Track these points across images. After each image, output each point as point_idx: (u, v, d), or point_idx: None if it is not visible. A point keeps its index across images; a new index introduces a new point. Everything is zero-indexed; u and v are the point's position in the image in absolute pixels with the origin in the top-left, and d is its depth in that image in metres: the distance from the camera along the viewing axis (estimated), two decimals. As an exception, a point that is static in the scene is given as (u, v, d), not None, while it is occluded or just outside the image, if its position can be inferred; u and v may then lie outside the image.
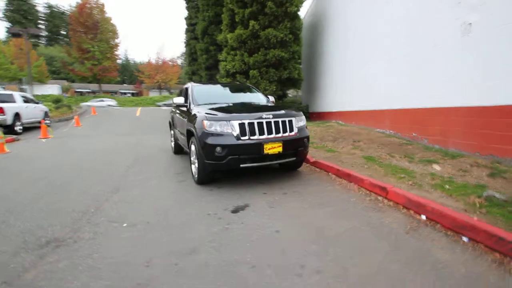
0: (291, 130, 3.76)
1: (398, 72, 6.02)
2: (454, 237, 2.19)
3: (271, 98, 5.27)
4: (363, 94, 7.84)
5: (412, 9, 5.50)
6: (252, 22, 10.77)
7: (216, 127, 3.46)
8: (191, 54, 17.77)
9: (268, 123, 3.57)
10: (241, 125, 3.46)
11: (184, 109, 4.69)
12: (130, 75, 54.33)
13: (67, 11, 48.63)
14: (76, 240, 2.32)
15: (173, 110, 6.07)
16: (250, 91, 5.31)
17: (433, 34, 4.96)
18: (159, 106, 26.00)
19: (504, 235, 1.96)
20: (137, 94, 46.49)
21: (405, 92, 5.84)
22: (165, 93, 44.63)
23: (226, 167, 3.49)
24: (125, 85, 49.67)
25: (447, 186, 3.28)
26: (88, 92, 42.05)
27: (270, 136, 3.55)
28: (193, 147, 3.95)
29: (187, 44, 17.97)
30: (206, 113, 3.64)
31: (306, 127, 4.10)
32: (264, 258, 1.96)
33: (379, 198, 3.12)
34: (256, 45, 11.24)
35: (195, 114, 4.01)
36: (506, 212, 2.45)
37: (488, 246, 2.02)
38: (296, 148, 3.78)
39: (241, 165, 3.48)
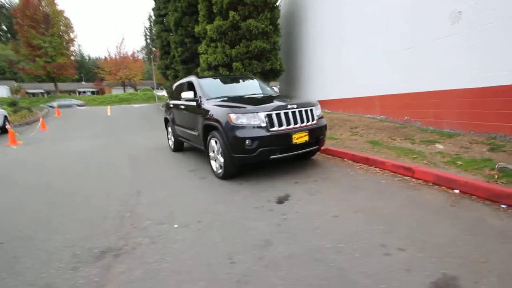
0: (313, 119, 3.82)
1: (389, 59, 6.35)
2: (493, 206, 2.45)
3: (276, 89, 5.29)
4: (349, 82, 8.16)
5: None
6: (232, 13, 10.57)
7: (243, 120, 3.41)
8: (163, 47, 16.90)
9: (293, 113, 3.60)
10: (269, 116, 3.44)
11: (193, 104, 4.52)
12: (87, 72, 50.33)
13: (7, 3, 43.24)
14: (134, 246, 2.17)
15: (171, 106, 5.80)
16: (255, 82, 5.26)
17: (424, 21, 5.31)
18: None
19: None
20: (98, 92, 43.33)
21: (395, 78, 6.20)
22: (130, 90, 42.18)
23: (256, 160, 3.47)
24: (83, 83, 45.91)
25: (459, 162, 3.60)
26: (42, 93, 38.22)
27: (296, 126, 3.59)
28: (213, 142, 3.85)
29: (158, 36, 17.03)
30: (230, 106, 3.56)
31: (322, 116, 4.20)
32: (344, 242, 2.02)
33: (406, 178, 3.34)
34: (237, 36, 11.07)
35: (211, 108, 3.90)
36: None
37: None
38: (318, 137, 3.87)
39: (271, 157, 3.48)
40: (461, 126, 4.85)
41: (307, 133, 3.64)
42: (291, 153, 3.64)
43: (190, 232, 2.34)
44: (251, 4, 10.58)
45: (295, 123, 3.59)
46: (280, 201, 2.91)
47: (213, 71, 11.39)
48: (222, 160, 3.66)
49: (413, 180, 3.25)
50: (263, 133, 3.38)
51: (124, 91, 41.32)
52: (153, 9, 17.15)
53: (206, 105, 4.11)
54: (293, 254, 1.91)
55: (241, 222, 2.48)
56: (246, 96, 4.42)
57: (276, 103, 3.65)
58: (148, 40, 63.90)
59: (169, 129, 6.25)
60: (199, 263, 1.89)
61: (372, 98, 7.14)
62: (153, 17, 16.96)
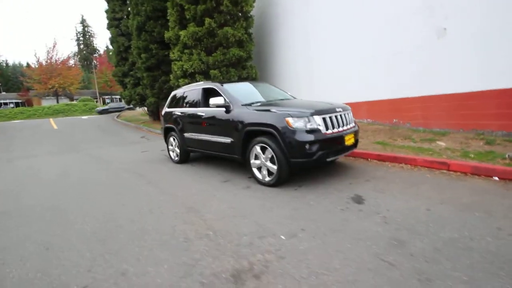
0: (352, 121, 4.01)
1: (379, 69, 7.02)
2: (538, 187, 2.92)
3: (289, 93, 5.37)
4: (336, 90, 8.70)
5: (392, 16, 6.53)
6: (208, 20, 10.41)
7: (300, 124, 3.37)
8: (119, 53, 15.46)
9: (341, 116, 3.72)
10: (324, 119, 3.48)
11: (219, 110, 4.29)
12: (6, 81, 42.96)
13: None
14: (264, 264, 1.94)
15: (178, 114, 5.37)
16: (270, 86, 5.25)
17: (413, 37, 6.06)
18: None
19: None
20: (24, 103, 37.24)
21: (384, 85, 6.88)
22: (65, 101, 37.31)
23: (314, 164, 3.46)
24: (3, 93, 38.87)
25: (471, 155, 4.18)
26: None
27: (346, 128, 3.71)
28: (258, 149, 3.70)
29: (113, 41, 15.52)
30: (285, 111, 3.49)
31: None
32: (467, 230, 2.16)
33: (443, 171, 3.74)
34: (213, 44, 10.92)
35: (253, 114, 3.78)
36: None
37: None
38: (357, 138, 4.06)
39: (327, 159, 3.52)
40: (449, 126, 5.64)
41: (353, 135, 3.80)
42: (341, 155, 3.74)
43: (308, 242, 2.21)
44: (227, 12, 10.59)
45: (343, 125, 3.71)
46: (358, 201, 2.95)
47: (189, 78, 10.94)
48: (274, 166, 3.54)
49: (451, 172, 3.66)
50: (321, 136, 3.40)
51: (57, 101, 36.30)
52: (106, 12, 15.62)
53: (244, 110, 3.95)
54: (439, 247, 1.97)
55: (345, 224, 2.44)
56: (280, 100, 4.40)
57: (325, 106, 3.72)
58: (82, 46, 57.81)
59: (171, 140, 5.77)
60: (356, 270, 1.80)
61: (359, 104, 7.76)
62: (107, 21, 15.44)
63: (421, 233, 2.20)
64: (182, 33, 10.71)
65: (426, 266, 1.79)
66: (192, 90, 5.27)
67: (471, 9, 5.08)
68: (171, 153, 5.96)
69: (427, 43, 5.77)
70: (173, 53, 11.25)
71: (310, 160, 3.38)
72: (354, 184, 3.50)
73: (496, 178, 3.27)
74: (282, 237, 2.32)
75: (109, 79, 41.21)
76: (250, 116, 3.82)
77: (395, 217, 2.50)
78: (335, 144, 3.53)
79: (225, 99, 4.19)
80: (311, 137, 3.35)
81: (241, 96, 4.30)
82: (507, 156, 3.82)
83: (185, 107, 5.33)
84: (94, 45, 57.66)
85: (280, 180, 3.56)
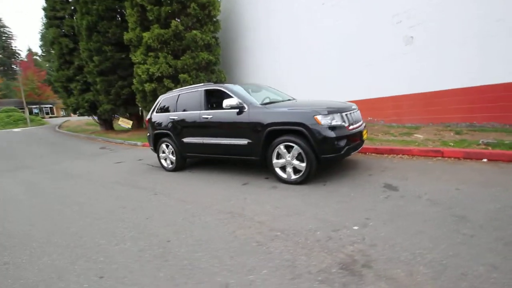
0: (361, 118, 4.31)
1: (352, 73, 7.65)
2: (521, 164, 3.57)
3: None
4: (310, 92, 9.14)
5: (363, 25, 7.21)
6: (174, 22, 10.07)
7: (328, 121, 3.50)
8: (62, 56, 13.58)
9: (355, 113, 3.97)
10: (346, 116, 3.67)
11: (231, 111, 4.17)
12: None
13: None
14: (363, 254, 1.96)
15: (175, 119, 5.01)
16: (270, 88, 5.29)
17: (384, 44, 6.79)
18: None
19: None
20: None
21: (359, 87, 7.52)
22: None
23: (342, 158, 3.62)
24: None
25: (451, 144, 4.89)
26: None
27: (360, 124, 3.97)
28: (282, 148, 3.70)
29: (54, 43, 13.55)
30: (313, 109, 3.57)
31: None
32: (506, 202, 2.53)
33: (439, 158, 4.28)
34: (180, 47, 10.53)
35: (274, 113, 3.79)
36: (509, 146, 4.12)
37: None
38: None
39: (351, 153, 3.71)
40: (420, 121, 6.48)
41: (366, 130, 4.09)
42: (358, 149, 3.98)
43: (383, 228, 2.29)
44: (194, 16, 10.32)
45: (358, 121, 3.97)
46: (393, 188, 3.18)
47: (156, 83, 10.32)
48: (302, 164, 3.58)
49: (446, 158, 4.21)
50: (346, 132, 3.58)
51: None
52: (44, 9, 13.57)
53: (262, 110, 3.92)
54: (495, 216, 2.27)
55: (401, 209, 2.61)
56: (290, 100, 4.48)
57: (341, 104, 3.92)
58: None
59: (163, 146, 5.35)
60: (449, 245, 1.96)
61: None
62: (46, 19, 13.42)
63: (470, 208, 2.50)
64: (145, 34, 10.06)
65: (498, 233, 2.05)
66: (189, 92, 4.98)
67: (431, 20, 5.97)
68: (163, 161, 5.50)
69: (397, 49, 6.56)
70: (136, 56, 10.44)
71: (339, 155, 3.53)
72: (374, 175, 3.76)
73: (485, 160, 3.90)
74: (355, 227, 2.37)
75: (37, 85, 35.90)
76: (271, 116, 3.80)
77: (437, 199, 2.78)
78: (355, 139, 3.75)
79: (238, 100, 4.09)
80: (339, 133, 3.50)
81: (250, 97, 4.25)
82: (481, 142, 4.56)
83: (181, 111, 5.01)
84: (13, 48, 49.62)
85: (309, 177, 3.62)
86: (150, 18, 10.23)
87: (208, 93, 4.70)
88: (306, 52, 8.95)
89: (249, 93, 4.52)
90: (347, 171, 4.03)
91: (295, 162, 3.66)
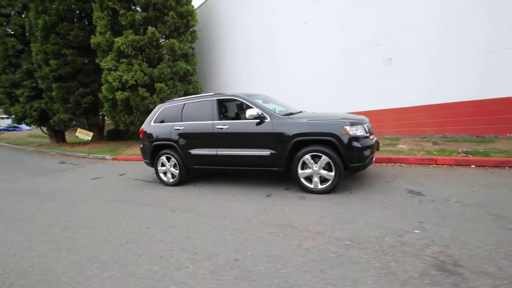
0: (370, 130, 4.63)
1: (338, 90, 8.18)
2: (504, 169, 4.20)
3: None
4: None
5: (345, 48, 7.83)
6: (151, 29, 9.70)
7: (356, 132, 3.68)
8: (7, 58, 11.67)
9: (370, 125, 4.25)
10: (366, 127, 3.91)
11: (249, 122, 4.11)
12: None
13: None
14: (446, 254, 2.07)
15: (182, 129, 4.71)
16: (273, 99, 5.35)
17: (366, 64, 7.46)
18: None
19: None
20: None
21: (343, 103, 8.07)
22: None
23: (366, 167, 3.80)
24: None
25: (435, 153, 5.53)
26: None
27: (373, 135, 4.26)
28: (308, 158, 3.74)
29: (-4, 42, 11.59)
30: (341, 120, 3.71)
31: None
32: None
33: (432, 165, 4.79)
34: (156, 55, 10.12)
35: (301, 124, 3.84)
36: (484, 154, 4.84)
37: (517, 168, 4.17)
38: (374, 145, 4.70)
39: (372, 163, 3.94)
40: (398, 132, 7.20)
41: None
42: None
43: (444, 230, 2.47)
44: (172, 24, 10.04)
45: (372, 133, 4.26)
46: (418, 194, 3.46)
47: (129, 91, 9.63)
48: (331, 173, 3.67)
49: (440, 166, 4.75)
50: (370, 142, 3.81)
51: None
52: (-18, 3, 11.61)
53: (287, 121, 3.94)
54: (525, 214, 2.64)
55: (442, 212, 2.85)
56: (307, 112, 4.58)
57: (357, 116, 4.17)
58: None
59: (164, 159, 4.97)
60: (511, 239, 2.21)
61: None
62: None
63: (498, 206, 2.85)
64: (118, 40, 9.41)
65: (538, 227, 2.39)
66: (197, 102, 4.75)
67: (406, 43, 6.80)
68: (161, 175, 5.08)
69: (377, 68, 7.28)
70: (106, 61, 9.64)
71: (365, 164, 3.72)
72: (390, 183, 4.04)
73: (473, 166, 4.50)
74: (417, 231, 2.51)
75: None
76: (298, 126, 3.84)
77: (463, 200, 3.11)
78: (374, 149, 4.01)
79: (260, 111, 4.05)
80: (364, 143, 3.70)
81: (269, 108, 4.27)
82: (460, 150, 5.26)
83: (188, 121, 4.75)
84: None
85: (336, 186, 3.73)
86: (123, 22, 9.62)
87: (220, 102, 4.56)
88: (282, 69, 9.32)
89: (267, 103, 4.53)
90: (362, 180, 4.25)
91: (323, 171, 3.73)
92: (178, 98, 5.18)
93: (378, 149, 4.21)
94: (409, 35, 6.72)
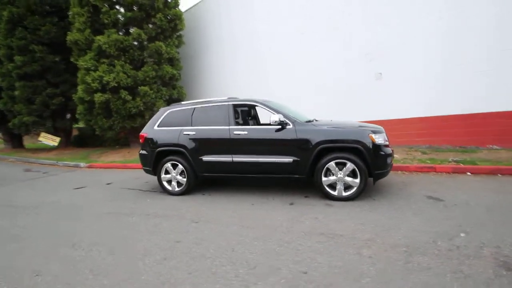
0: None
1: (327, 99, 8.43)
2: (497, 176, 4.61)
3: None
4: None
5: (346, 61, 8.16)
6: (137, 30, 9.25)
7: (380, 139, 3.77)
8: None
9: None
10: (385, 136, 4.03)
11: (270, 128, 4.01)
12: None
13: None
14: None
15: (193, 134, 4.42)
16: (293, 109, 5.29)
17: (357, 81, 7.83)
18: None
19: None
20: None
21: (333, 112, 8.32)
22: None
23: (386, 175, 3.89)
24: None
25: (428, 161, 5.91)
26: None
27: (388, 143, 4.41)
28: (332, 165, 3.72)
29: None
30: (367, 128, 3.77)
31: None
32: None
33: (432, 172, 5.09)
34: (140, 57, 9.62)
35: (325, 131, 3.83)
36: (472, 162, 5.28)
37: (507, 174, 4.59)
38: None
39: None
40: (387, 142, 7.59)
41: (391, 149, 4.56)
42: (388, 166, 4.37)
43: (486, 232, 2.57)
44: (159, 26, 9.65)
45: (387, 141, 4.41)
46: (437, 199, 3.61)
47: (110, 93, 8.95)
48: (356, 180, 3.68)
49: (439, 173, 5.06)
50: (390, 150, 3.92)
51: None
52: None
53: (311, 128, 3.90)
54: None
55: (473, 216, 2.98)
56: (321, 120, 4.59)
57: (373, 125, 4.28)
58: None
59: (169, 166, 4.61)
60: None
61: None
62: None
63: (520, 210, 3.09)
64: (100, 38, 8.77)
65: None
66: (209, 106, 4.52)
67: (398, 58, 7.31)
68: (165, 183, 4.69)
69: (369, 82, 7.69)
70: (84, 60, 8.86)
71: (387, 171, 3.82)
72: (405, 189, 4.17)
73: (469, 173, 4.88)
74: (462, 234, 2.58)
75: None
76: (324, 133, 3.81)
77: (482, 204, 3.30)
78: (393, 157, 4.14)
79: (282, 117, 3.97)
80: (387, 150, 3.81)
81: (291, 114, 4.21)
82: (450, 159, 5.69)
83: (199, 126, 4.48)
84: None
85: (361, 192, 3.75)
86: (106, 21, 8.99)
87: (236, 107, 4.39)
88: (270, 77, 9.43)
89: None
90: (377, 187, 4.34)
91: (348, 178, 3.74)
92: (185, 102, 4.88)
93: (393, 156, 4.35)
94: (396, 53, 7.23)
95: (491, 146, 6.19)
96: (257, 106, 4.28)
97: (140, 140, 4.94)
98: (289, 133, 3.94)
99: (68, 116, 11.40)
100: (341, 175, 3.75)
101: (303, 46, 8.73)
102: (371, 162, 3.64)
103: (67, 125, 11.35)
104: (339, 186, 3.78)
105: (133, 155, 9.50)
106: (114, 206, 4.26)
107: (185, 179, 4.54)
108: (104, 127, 9.42)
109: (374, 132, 3.81)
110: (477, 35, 6.26)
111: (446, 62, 6.65)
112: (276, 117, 3.91)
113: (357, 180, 3.70)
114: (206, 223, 3.28)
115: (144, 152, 4.87)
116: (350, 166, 3.69)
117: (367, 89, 7.74)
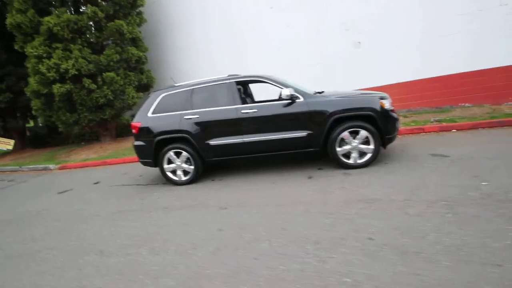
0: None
1: (307, 73, 8.42)
2: (479, 130, 5.09)
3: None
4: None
5: (321, 32, 8.07)
6: (92, 8, 8.23)
7: (388, 105, 3.88)
8: None
9: (386, 100, 4.54)
10: (390, 102, 4.16)
11: (279, 104, 3.91)
12: None
13: None
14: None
15: (197, 117, 4.11)
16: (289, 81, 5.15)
17: (336, 50, 7.87)
18: None
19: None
20: None
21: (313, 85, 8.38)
22: None
23: (395, 139, 4.05)
24: None
25: (412, 124, 6.34)
26: None
27: (389, 109, 4.57)
28: (346, 134, 3.76)
29: None
30: (376, 95, 3.83)
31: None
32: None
33: (423, 133, 5.48)
34: (99, 39, 8.60)
35: (336, 101, 3.83)
36: (452, 120, 5.79)
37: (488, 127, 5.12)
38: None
39: (395, 135, 4.23)
40: (369, 110, 7.94)
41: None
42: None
43: None
44: (116, 3, 8.61)
45: (389, 107, 4.57)
46: (442, 155, 3.90)
47: (70, 83, 7.96)
48: (370, 147, 3.79)
49: (428, 133, 5.45)
50: (397, 115, 4.07)
51: None
52: None
53: (322, 99, 3.87)
54: (540, 158, 3.26)
55: (490, 166, 3.29)
56: (326, 91, 4.56)
57: (377, 92, 4.38)
58: None
59: (172, 155, 4.29)
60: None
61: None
62: None
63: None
64: (48, 19, 7.61)
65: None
66: (209, 85, 4.20)
67: (375, 27, 7.47)
68: (169, 174, 4.38)
69: (349, 52, 7.81)
70: (33, 46, 7.65)
71: (396, 134, 3.98)
72: (407, 151, 4.42)
73: (454, 130, 5.34)
74: (484, 183, 2.83)
75: None
76: (335, 103, 3.80)
77: (485, 155, 3.63)
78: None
79: (292, 90, 3.85)
80: (395, 116, 3.95)
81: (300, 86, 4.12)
82: (432, 120, 6.16)
83: (201, 108, 4.17)
84: None
85: (375, 158, 3.89)
86: (51, -2, 7.71)
87: (240, 85, 4.16)
88: (248, 53, 9.12)
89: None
90: (381, 152, 4.52)
91: (362, 146, 3.84)
92: (181, 83, 4.47)
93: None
94: (376, 21, 7.39)
95: (463, 104, 6.81)
96: (263, 81, 4.09)
97: (134, 131, 4.47)
98: (300, 107, 3.87)
99: (18, 114, 9.91)
100: (356, 144, 3.83)
101: (279, 19, 8.47)
102: (383, 127, 3.76)
103: (19, 125, 9.88)
104: (354, 154, 3.87)
105: (107, 150, 8.72)
106: (121, 204, 3.90)
107: (192, 167, 4.28)
108: (69, 122, 8.41)
109: (382, 98, 3.90)
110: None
111: (425, 30, 6.98)
112: (287, 91, 3.78)
113: (371, 146, 3.81)
114: (238, 208, 3.16)
115: (140, 143, 4.44)
116: (363, 133, 3.78)
117: (347, 59, 7.88)
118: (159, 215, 3.26)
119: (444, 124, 5.59)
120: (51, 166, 7.57)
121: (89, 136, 11.17)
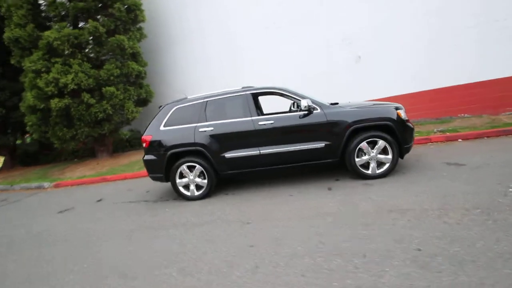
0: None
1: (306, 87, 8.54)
2: (485, 139, 5.21)
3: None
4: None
5: (321, 45, 8.27)
6: (93, 23, 8.20)
7: (404, 115, 3.91)
8: None
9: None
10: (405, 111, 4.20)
11: (295, 115, 3.90)
12: None
13: None
14: None
15: (212, 129, 4.01)
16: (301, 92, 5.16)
17: (336, 62, 8.07)
18: None
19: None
20: None
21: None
22: None
23: (411, 149, 4.06)
24: None
25: (417, 134, 6.42)
26: None
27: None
28: (364, 145, 3.74)
29: None
30: (392, 105, 3.87)
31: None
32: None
33: (430, 143, 5.55)
34: (99, 54, 8.53)
35: (353, 112, 3.85)
36: (455, 130, 5.91)
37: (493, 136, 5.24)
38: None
39: (410, 144, 4.25)
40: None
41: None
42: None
43: (526, 186, 2.88)
44: (118, 18, 8.63)
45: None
46: (457, 164, 3.93)
47: (70, 98, 7.78)
48: (388, 156, 3.78)
49: (435, 143, 5.53)
50: (412, 125, 4.10)
51: None
52: None
53: (338, 110, 3.88)
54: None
55: (509, 172, 3.32)
56: (340, 102, 4.58)
57: (392, 103, 4.43)
58: None
59: (185, 169, 4.14)
60: None
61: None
62: None
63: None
64: (48, 34, 7.52)
65: None
66: (224, 98, 4.15)
67: (374, 42, 7.73)
68: (181, 188, 4.21)
69: (349, 65, 8.00)
70: (31, 61, 7.49)
71: (412, 145, 4.00)
72: (422, 160, 4.43)
73: (460, 140, 5.44)
74: (511, 190, 2.84)
75: None
76: (353, 114, 3.81)
77: (499, 163, 3.68)
78: (413, 131, 4.36)
79: (310, 102, 3.84)
80: (411, 125, 3.98)
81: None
82: (435, 130, 6.28)
83: (216, 120, 4.10)
84: None
85: (394, 168, 3.87)
86: (52, 13, 7.66)
87: (256, 97, 4.13)
88: (244, 70, 9.23)
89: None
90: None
91: (380, 156, 3.82)
92: (193, 96, 4.40)
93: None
94: (375, 36, 7.66)
95: (462, 115, 7.01)
96: (280, 93, 4.07)
97: (144, 145, 4.32)
98: (318, 117, 3.85)
99: (9, 130, 9.52)
100: (374, 154, 3.81)
101: (279, 36, 8.67)
102: (401, 136, 3.77)
103: (10, 141, 9.47)
104: (373, 165, 3.85)
105: (104, 166, 8.42)
106: (132, 222, 3.68)
107: (205, 181, 4.14)
108: (65, 138, 8.12)
109: (397, 108, 3.94)
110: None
111: (425, 42, 7.27)
112: (305, 102, 3.77)
113: (389, 156, 3.79)
114: (263, 222, 3.03)
115: (150, 157, 4.28)
116: (381, 144, 3.77)
117: (348, 73, 8.06)
118: (180, 232, 3.08)
119: (448, 134, 5.69)
120: (45, 184, 7.20)
121: (83, 153, 10.80)
